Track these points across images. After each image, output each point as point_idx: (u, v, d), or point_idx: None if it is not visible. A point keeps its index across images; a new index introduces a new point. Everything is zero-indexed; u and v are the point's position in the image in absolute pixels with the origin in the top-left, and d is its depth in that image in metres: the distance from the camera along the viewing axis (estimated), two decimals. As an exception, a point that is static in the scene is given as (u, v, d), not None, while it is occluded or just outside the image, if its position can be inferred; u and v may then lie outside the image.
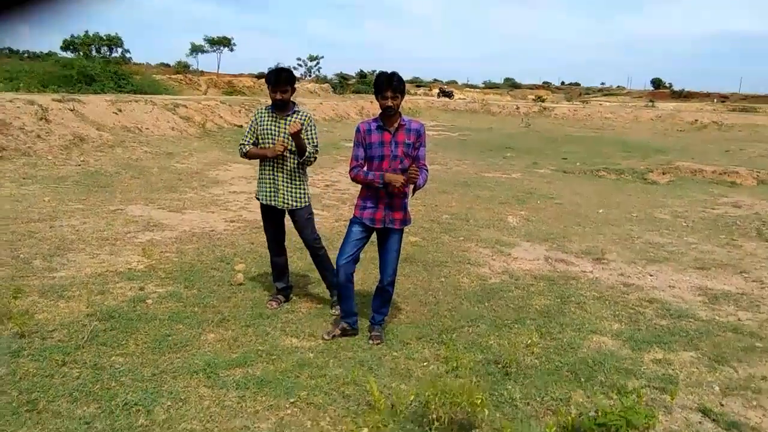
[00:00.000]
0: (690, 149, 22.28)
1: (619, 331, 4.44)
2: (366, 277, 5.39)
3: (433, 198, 9.48)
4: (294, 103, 4.45)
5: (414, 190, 3.97)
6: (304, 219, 4.55)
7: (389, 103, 3.83)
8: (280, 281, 4.80)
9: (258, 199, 4.58)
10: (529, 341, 4.04)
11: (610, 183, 13.54)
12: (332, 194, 9.79)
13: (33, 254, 5.54)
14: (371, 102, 35.79)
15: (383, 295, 4.21)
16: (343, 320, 4.24)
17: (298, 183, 4.47)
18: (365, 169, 3.98)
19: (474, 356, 3.88)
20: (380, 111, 3.94)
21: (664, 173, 15.36)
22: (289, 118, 4.35)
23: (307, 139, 4.34)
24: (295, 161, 4.39)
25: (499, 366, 3.75)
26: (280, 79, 4.26)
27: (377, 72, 4.00)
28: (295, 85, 4.45)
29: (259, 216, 4.91)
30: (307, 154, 4.33)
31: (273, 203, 4.47)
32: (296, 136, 4.18)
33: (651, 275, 5.98)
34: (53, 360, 3.49)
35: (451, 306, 4.90)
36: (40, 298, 4.47)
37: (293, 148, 4.33)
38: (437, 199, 9.41)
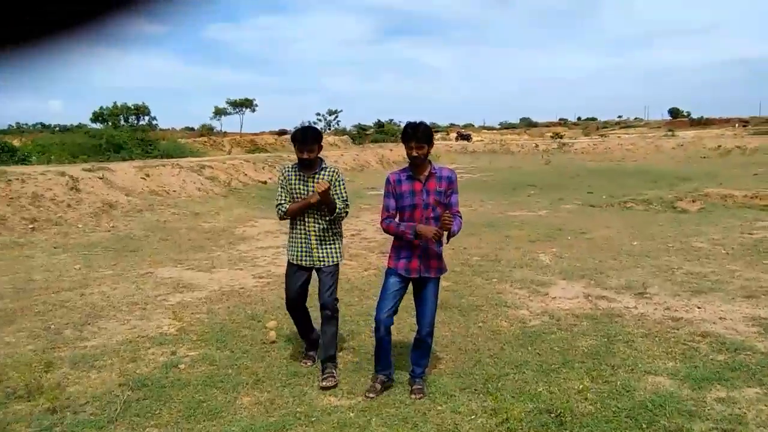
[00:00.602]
0: (716, 175, 21.88)
1: (674, 370, 4.18)
2: (402, 326, 5.21)
3: (461, 240, 9.31)
4: (321, 159, 4.33)
5: (449, 237, 3.85)
6: (330, 276, 4.29)
7: (414, 153, 3.79)
8: (307, 336, 4.63)
9: (290, 258, 4.41)
10: (581, 386, 3.81)
11: (640, 214, 13.25)
12: (359, 243, 9.69)
13: (64, 324, 5.50)
14: (390, 150, 36.18)
15: (422, 347, 4.04)
16: (380, 373, 4.07)
17: (331, 239, 4.31)
18: (397, 219, 3.89)
19: (524, 406, 3.66)
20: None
21: (693, 201, 15.00)
22: (317, 176, 4.23)
23: (336, 194, 4.22)
24: (326, 219, 4.24)
25: (552, 415, 3.52)
26: (307, 138, 4.15)
27: (405, 123, 3.95)
28: (322, 143, 4.33)
29: None
30: (337, 210, 4.18)
31: (306, 263, 4.30)
32: (325, 194, 4.01)
33: (699, 307, 5.70)
34: (86, 435, 3.37)
35: (493, 352, 4.69)
36: (72, 370, 4.39)
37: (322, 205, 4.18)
38: (465, 242, 9.24)
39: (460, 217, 3.93)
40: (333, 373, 4.18)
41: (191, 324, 5.52)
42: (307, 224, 4.26)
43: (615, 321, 5.36)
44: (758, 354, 4.41)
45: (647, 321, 5.33)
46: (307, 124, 4.38)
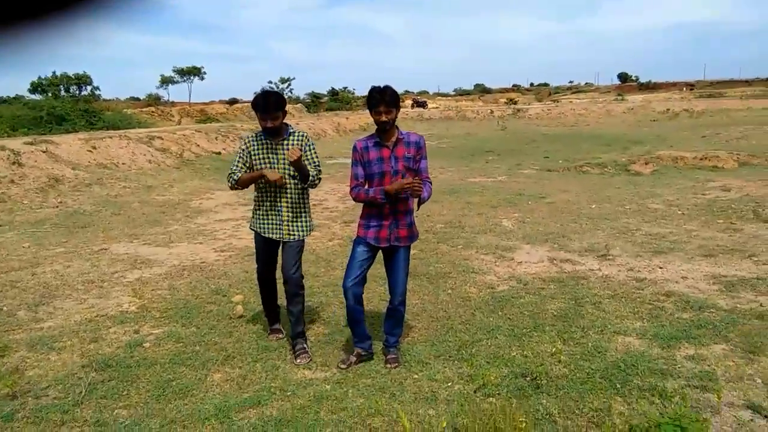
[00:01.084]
0: (666, 138, 22.47)
1: (643, 330, 4.26)
2: (371, 296, 5.16)
3: (424, 207, 9.26)
4: (287, 125, 4.05)
5: (419, 204, 3.77)
6: (295, 253, 4.09)
7: (383, 118, 3.64)
8: (274, 317, 4.49)
9: (254, 230, 4.18)
10: (554, 349, 3.84)
11: (596, 177, 13.49)
12: (321, 213, 9.55)
13: (17, 305, 5.22)
14: (347, 118, 35.77)
15: (395, 315, 3.99)
16: (357, 346, 4.01)
17: (304, 211, 4.13)
18: (366, 187, 3.77)
19: (499, 371, 3.67)
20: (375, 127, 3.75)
21: (646, 163, 15.37)
22: (285, 143, 3.97)
23: (308, 160, 3.97)
24: (299, 187, 4.04)
25: (528, 379, 3.54)
26: (269, 105, 3.84)
27: (370, 87, 3.78)
28: (286, 108, 4.03)
29: (250, 242, 4.46)
30: (311, 178, 3.97)
31: (274, 236, 4.06)
32: (297, 162, 3.80)
33: (660, 267, 5.84)
34: (51, 421, 3.20)
35: (464, 318, 4.69)
36: (30, 353, 4.16)
37: (294, 173, 3.95)
38: (428, 208, 9.21)
39: (430, 183, 3.85)
40: (305, 348, 4.09)
41: (153, 301, 5.33)
42: (278, 196, 4.02)
43: (581, 283, 5.43)
44: (721, 311, 4.55)
45: (612, 282, 5.43)
46: (268, 89, 4.09)
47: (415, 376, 3.71)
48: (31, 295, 5.50)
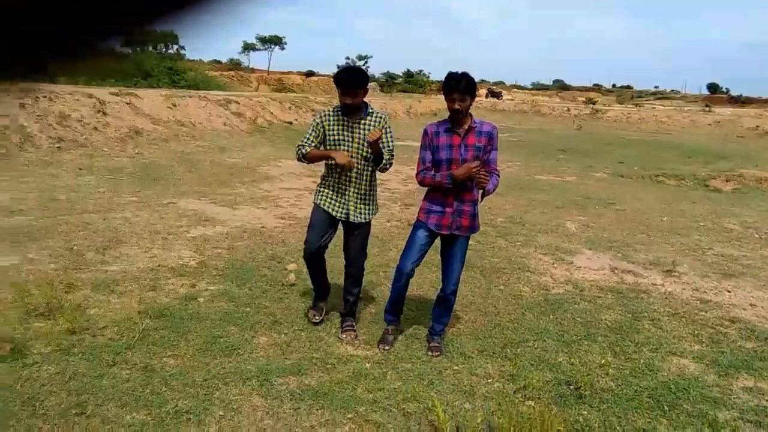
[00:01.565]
0: (753, 156, 21.18)
1: (701, 354, 4.07)
2: (422, 281, 5.15)
3: (487, 200, 9.10)
4: (366, 104, 3.90)
5: (483, 196, 3.70)
6: (363, 236, 4.05)
7: (456, 105, 3.57)
8: (319, 287, 4.32)
9: (316, 203, 4.03)
10: (603, 361, 3.73)
11: (672, 189, 12.91)
12: (382, 193, 9.56)
13: (86, 246, 5.51)
14: (419, 101, 35.58)
15: (445, 304, 3.96)
16: (392, 324, 4.05)
17: (371, 193, 4.01)
18: (432, 172, 3.73)
19: (543, 375, 3.59)
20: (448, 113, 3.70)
21: (727, 180, 14.58)
22: (363, 122, 3.84)
23: (383, 143, 3.78)
24: (370, 169, 3.92)
25: (572, 387, 3.45)
26: (351, 81, 3.71)
27: (447, 72, 3.71)
28: (368, 87, 3.91)
29: (310, 213, 4.19)
30: (383, 161, 3.82)
31: (339, 214, 3.94)
32: (375, 144, 3.68)
33: (729, 291, 5.54)
34: (103, 360, 3.38)
35: (513, 317, 4.60)
36: (92, 293, 4.40)
37: (367, 154, 3.82)
38: (490, 202, 9.06)
39: (498, 175, 3.78)
40: (353, 326, 4.12)
41: (212, 258, 5.50)
42: (348, 176, 3.89)
43: (641, 297, 5.23)
44: (789, 346, 4.28)
45: (675, 300, 5.20)
46: (351, 65, 4.01)
47: (456, 368, 3.68)
48: (101, 239, 5.79)
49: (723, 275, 6.07)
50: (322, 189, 4.03)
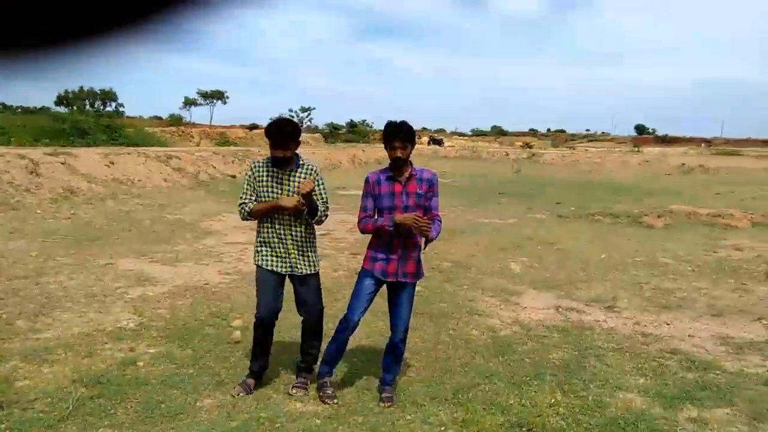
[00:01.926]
0: (680, 192, 22.36)
1: (645, 387, 4.15)
2: (371, 332, 5.10)
3: (432, 245, 9.19)
4: (297, 155, 3.86)
5: (426, 243, 3.74)
6: (314, 286, 3.95)
7: (398, 153, 3.66)
8: (259, 361, 3.99)
9: (258, 264, 3.90)
10: (552, 400, 3.76)
11: (607, 227, 13.40)
12: (328, 243, 9.54)
13: (16, 314, 5.22)
14: (363, 150, 36.07)
15: (394, 352, 3.93)
16: (328, 375, 3.95)
17: (309, 245, 3.90)
18: (375, 217, 3.76)
19: (495, 418, 3.58)
20: (389, 161, 3.76)
21: (659, 216, 15.25)
22: (293, 174, 3.78)
23: (316, 195, 3.77)
24: (306, 222, 3.85)
25: (524, 429, 3.44)
26: (283, 135, 3.68)
27: (387, 121, 3.79)
28: (300, 139, 3.86)
29: (254, 268, 4.04)
30: (319, 213, 3.77)
31: (283, 269, 3.83)
32: (308, 196, 3.62)
33: (667, 324, 5.73)
34: (34, 435, 3.15)
35: (463, 361, 4.60)
36: (22, 363, 4.14)
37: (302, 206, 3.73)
38: (436, 247, 9.16)
39: (440, 221, 3.84)
40: (305, 384, 3.96)
41: (152, 319, 5.30)
42: (282, 226, 3.80)
43: (585, 334, 5.34)
44: (727, 374, 4.43)
45: (617, 335, 5.33)
46: (282, 116, 3.98)
47: (408, 417, 3.62)
48: (32, 305, 5.50)
49: (661, 308, 6.29)
50: (260, 247, 3.89)
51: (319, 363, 4.02)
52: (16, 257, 7.45)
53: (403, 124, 3.69)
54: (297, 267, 3.85)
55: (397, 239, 3.72)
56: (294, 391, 3.90)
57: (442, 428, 3.50)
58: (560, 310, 6.13)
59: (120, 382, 3.92)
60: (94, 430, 3.28)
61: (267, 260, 3.85)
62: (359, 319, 3.83)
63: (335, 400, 3.79)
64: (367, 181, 3.81)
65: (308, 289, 3.93)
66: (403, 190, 3.72)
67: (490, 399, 3.90)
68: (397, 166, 3.72)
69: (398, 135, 3.64)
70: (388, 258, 3.75)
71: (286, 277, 3.92)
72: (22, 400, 3.56)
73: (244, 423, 3.45)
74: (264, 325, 3.94)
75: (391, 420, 3.58)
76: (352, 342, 4.56)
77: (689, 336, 5.36)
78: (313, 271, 3.92)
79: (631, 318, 5.90)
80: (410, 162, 3.78)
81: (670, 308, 6.30)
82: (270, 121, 3.82)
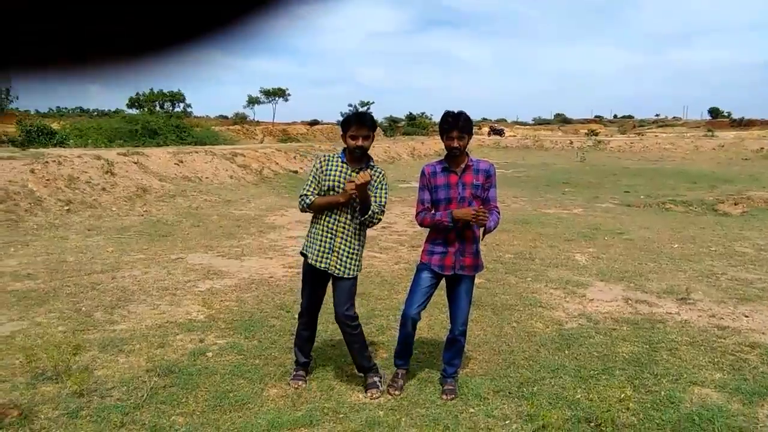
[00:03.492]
0: (759, 178, 21.13)
1: (722, 382, 3.95)
2: (433, 323, 5.08)
3: (494, 237, 9.09)
4: (369, 156, 3.82)
5: (484, 234, 3.69)
6: (348, 291, 3.79)
7: (455, 144, 3.61)
8: (303, 354, 4.04)
9: (304, 255, 3.85)
10: (622, 395, 3.61)
11: (680, 216, 12.84)
12: (389, 236, 9.56)
13: (94, 306, 5.50)
14: (422, 143, 35.93)
15: (455, 346, 3.89)
16: (402, 367, 3.97)
17: (356, 247, 3.77)
18: (432, 212, 3.73)
19: (561, 413, 3.49)
20: (445, 153, 3.72)
21: (735, 204, 14.50)
22: (362, 171, 3.68)
23: (375, 196, 3.70)
24: (357, 220, 3.73)
25: (592, 424, 3.34)
26: (365, 121, 3.63)
27: (444, 112, 3.76)
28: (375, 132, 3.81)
29: None
30: (370, 212, 3.66)
31: (323, 266, 3.73)
32: (362, 187, 3.53)
33: (746, 316, 5.42)
34: (112, 421, 3.31)
35: (528, 354, 4.51)
36: (100, 353, 4.36)
37: (358, 206, 3.68)
38: (498, 238, 9.02)
39: (498, 212, 3.77)
40: (377, 383, 3.86)
41: (220, 311, 5.47)
42: (335, 221, 3.72)
43: (657, 327, 5.12)
44: (813, 369, 4.15)
45: (691, 328, 5.09)
46: (361, 110, 3.91)
47: (471, 410, 3.59)
48: (109, 298, 5.78)
49: (739, 300, 5.96)
50: (309, 239, 3.84)
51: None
52: (94, 253, 7.85)
53: (461, 114, 3.64)
54: (339, 268, 3.74)
55: (455, 232, 3.68)
56: (368, 393, 3.79)
57: (507, 422, 3.44)
58: (630, 302, 5.91)
59: (191, 371, 4.07)
60: (167, 417, 3.42)
61: (312, 253, 3.77)
62: (418, 314, 3.81)
63: (398, 392, 3.80)
64: (423, 173, 3.78)
65: (339, 291, 3.80)
66: (459, 181, 3.68)
67: (557, 393, 3.81)
68: (453, 157, 3.68)
69: (456, 125, 3.59)
70: (446, 251, 3.71)
71: (329, 275, 3.83)
72: (100, 389, 3.76)
73: (308, 412, 3.51)
74: (305, 316, 3.99)
75: (453, 413, 3.55)
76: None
77: (771, 329, 5.05)
78: (348, 275, 3.77)
79: (706, 310, 5.61)
80: (467, 153, 3.73)
81: (749, 300, 5.96)
82: (342, 116, 3.81)
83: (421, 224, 3.79)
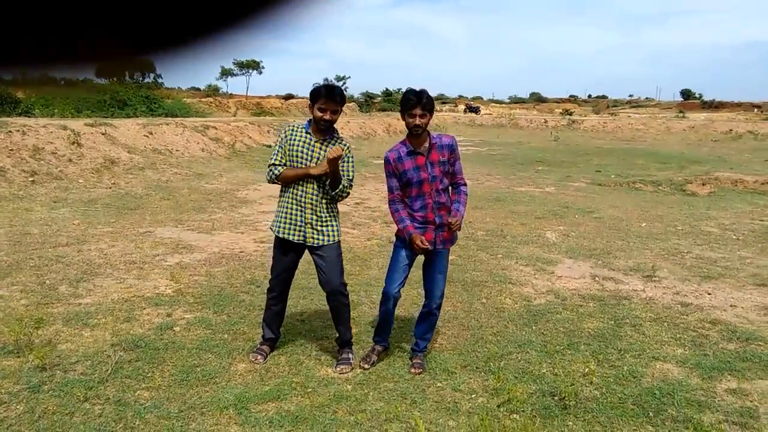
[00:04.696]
0: (727, 159, 21.59)
1: (683, 357, 4.05)
2: (402, 299, 5.09)
3: (467, 214, 9.11)
4: (335, 129, 3.77)
5: (455, 228, 3.76)
6: (334, 257, 3.76)
7: (417, 121, 3.58)
8: (271, 330, 4.01)
9: (274, 231, 3.82)
10: (586, 369, 3.69)
11: (648, 195, 13.05)
12: (362, 212, 9.54)
13: (59, 280, 5.39)
14: (397, 119, 35.71)
15: (429, 320, 3.92)
16: (380, 343, 4.01)
17: (328, 215, 3.75)
18: (402, 207, 3.76)
19: (526, 387, 3.55)
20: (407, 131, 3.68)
21: (703, 184, 14.78)
22: (327, 144, 3.67)
23: (343, 170, 3.67)
24: (327, 192, 3.70)
25: (556, 398, 3.40)
26: (335, 95, 3.56)
27: (405, 89, 3.74)
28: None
29: None
30: (341, 186, 3.64)
31: (295, 238, 3.70)
32: (334, 162, 3.49)
33: (709, 293, 5.56)
34: (75, 396, 3.26)
35: (496, 330, 4.56)
36: (64, 327, 4.28)
37: (326, 178, 3.65)
38: (471, 215, 9.07)
39: (465, 190, 3.85)
40: (350, 360, 3.88)
41: (189, 286, 5.40)
42: (304, 193, 3.67)
43: (622, 303, 5.22)
44: (770, 345, 4.28)
45: (656, 305, 5.20)
46: (330, 82, 3.82)
47: (439, 385, 3.62)
48: (74, 271, 5.67)
49: (703, 278, 6.10)
50: (278, 214, 3.80)
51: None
52: (60, 225, 7.67)
53: (423, 92, 3.63)
54: (311, 237, 3.72)
55: (433, 209, 3.69)
56: (338, 368, 3.79)
57: (473, 396, 3.49)
58: (597, 279, 6.01)
59: (157, 346, 4.02)
60: (132, 392, 3.38)
61: (281, 227, 3.75)
62: (399, 291, 3.83)
63: (368, 366, 3.81)
64: (387, 160, 3.74)
65: (327, 263, 3.75)
66: (426, 161, 3.67)
67: (523, 368, 3.87)
68: (416, 136, 3.65)
69: (420, 102, 3.56)
70: (426, 227, 3.72)
71: (304, 247, 3.81)
72: (64, 363, 3.69)
73: (276, 387, 3.50)
74: (275, 292, 3.96)
75: (421, 387, 3.58)
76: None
77: (731, 306, 5.19)
78: (330, 242, 3.75)
79: (670, 288, 5.74)
80: (428, 131, 3.71)
81: (713, 278, 6.11)
82: (314, 85, 3.65)
83: (391, 215, 3.81)
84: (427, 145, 3.68)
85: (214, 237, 7.48)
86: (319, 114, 3.59)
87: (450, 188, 3.82)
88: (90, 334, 4.19)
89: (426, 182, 3.67)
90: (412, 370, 3.79)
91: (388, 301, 3.84)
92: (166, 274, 5.72)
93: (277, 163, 3.69)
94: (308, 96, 3.67)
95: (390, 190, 3.76)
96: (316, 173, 3.60)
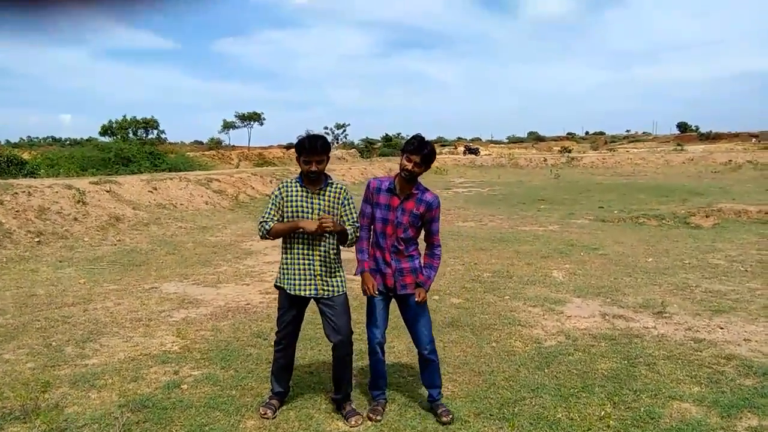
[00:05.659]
0: (729, 190, 21.64)
1: (701, 395, 3.97)
2: (411, 346, 5.03)
3: (472, 255, 9.12)
4: (327, 175, 3.77)
5: (423, 289, 3.79)
6: (343, 308, 3.74)
7: (410, 167, 3.62)
8: (280, 384, 3.98)
9: (279, 287, 3.79)
10: (602, 412, 3.62)
11: (653, 230, 13.03)
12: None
13: (65, 341, 5.35)
14: (398, 163, 36.10)
15: (430, 366, 3.86)
16: (379, 398, 3.92)
17: (336, 266, 3.75)
18: (365, 235, 3.80)
19: (542, 434, 3.47)
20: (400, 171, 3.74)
21: (707, 216, 14.77)
22: (323, 193, 3.69)
23: (345, 217, 3.70)
24: (334, 243, 3.72)
25: (573, 444, 3.32)
26: (316, 148, 3.57)
27: (412, 136, 3.81)
28: (330, 153, 3.80)
29: None
30: (349, 237, 3.66)
31: (307, 293, 3.69)
32: (331, 226, 3.51)
33: (721, 328, 5.49)
34: (82, 461, 3.20)
35: (508, 374, 4.49)
36: (71, 389, 4.22)
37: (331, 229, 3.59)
38: (476, 257, 9.05)
39: (439, 247, 3.87)
40: (356, 410, 3.82)
41: (195, 342, 5.36)
42: (309, 246, 3.67)
43: (634, 342, 5.15)
44: (788, 379, 4.20)
45: (668, 342, 5.13)
46: (314, 132, 3.90)
47: (453, 435, 3.54)
48: (81, 331, 5.64)
49: (714, 312, 6.03)
50: (284, 269, 3.76)
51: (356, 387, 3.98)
52: (66, 285, 7.67)
53: (429, 144, 3.70)
54: (322, 289, 3.70)
55: (389, 253, 3.71)
56: (352, 420, 3.70)
57: (488, 445, 3.40)
58: (607, 317, 5.95)
59: (165, 405, 3.96)
60: (140, 454, 3.31)
61: (291, 283, 3.72)
62: (383, 336, 3.80)
63: (379, 418, 3.73)
64: (368, 186, 3.83)
65: (336, 312, 3.71)
66: (399, 206, 3.70)
67: (537, 413, 3.79)
68: (404, 180, 3.69)
69: (420, 151, 3.61)
70: (384, 272, 3.75)
71: (310, 300, 3.80)
72: (71, 427, 3.63)
73: (286, 444, 3.43)
74: (282, 344, 3.92)
75: (435, 437, 3.50)
76: (391, 359, 4.54)
77: (745, 340, 5.12)
78: (339, 292, 3.75)
79: (682, 323, 5.67)
80: (419, 182, 3.77)
81: (724, 311, 6.04)
82: (298, 137, 3.69)
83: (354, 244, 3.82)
84: (408, 192, 3.71)
85: (219, 290, 7.46)
86: (306, 167, 3.63)
87: (426, 248, 3.86)
88: (97, 395, 4.13)
89: (390, 224, 3.70)
90: (444, 418, 3.66)
91: (376, 352, 3.80)
92: (172, 330, 5.68)
93: (267, 219, 3.68)
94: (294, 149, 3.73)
95: (361, 214, 3.80)
96: (310, 228, 3.57)
